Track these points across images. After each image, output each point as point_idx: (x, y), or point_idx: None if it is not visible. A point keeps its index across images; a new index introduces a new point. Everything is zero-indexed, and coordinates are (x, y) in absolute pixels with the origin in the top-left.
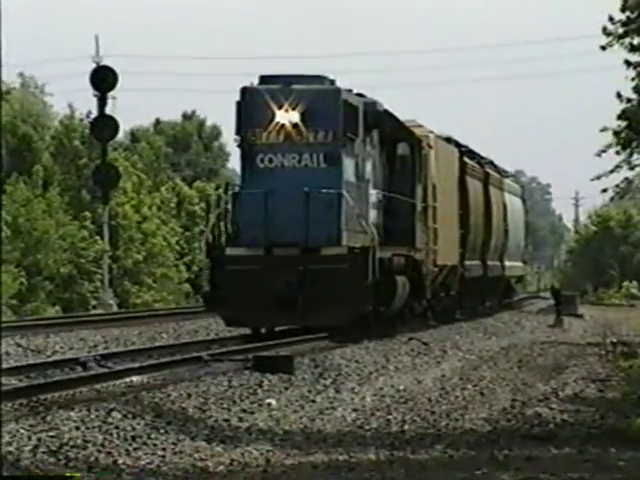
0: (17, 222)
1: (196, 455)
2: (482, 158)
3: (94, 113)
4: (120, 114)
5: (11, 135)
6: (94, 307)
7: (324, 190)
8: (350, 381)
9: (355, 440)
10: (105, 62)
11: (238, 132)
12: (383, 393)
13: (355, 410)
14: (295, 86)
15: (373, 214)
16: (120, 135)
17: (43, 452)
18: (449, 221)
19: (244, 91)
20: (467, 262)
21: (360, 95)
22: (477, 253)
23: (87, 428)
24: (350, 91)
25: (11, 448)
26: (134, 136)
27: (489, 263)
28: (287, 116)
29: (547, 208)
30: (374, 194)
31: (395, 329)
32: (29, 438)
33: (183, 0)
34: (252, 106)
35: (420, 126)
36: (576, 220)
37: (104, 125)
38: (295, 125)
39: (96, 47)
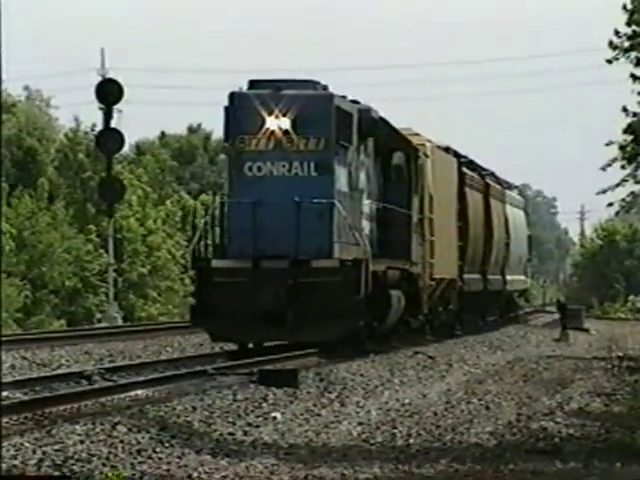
0: (22, 235)
1: (201, 469)
2: (483, 169)
3: (99, 126)
4: (125, 127)
5: (16, 148)
6: (99, 320)
7: (315, 200)
8: (355, 395)
9: (360, 454)
10: (110, 75)
11: (226, 139)
12: (388, 407)
13: (360, 424)
14: (286, 91)
15: (367, 225)
16: (125, 148)
17: (48, 466)
18: (447, 233)
19: (232, 96)
20: (466, 276)
21: (355, 102)
22: (477, 266)
23: (92, 442)
24: (344, 97)
25: (16, 462)
26: (139, 149)
27: (490, 277)
28: (277, 122)
29: (552, 222)
30: (368, 205)
31: (390, 345)
32: (34, 452)
33: (188, 14)
34: (241, 112)
35: (417, 134)
36: (582, 234)
37: (109, 138)
38: (285, 132)
39: (101, 60)
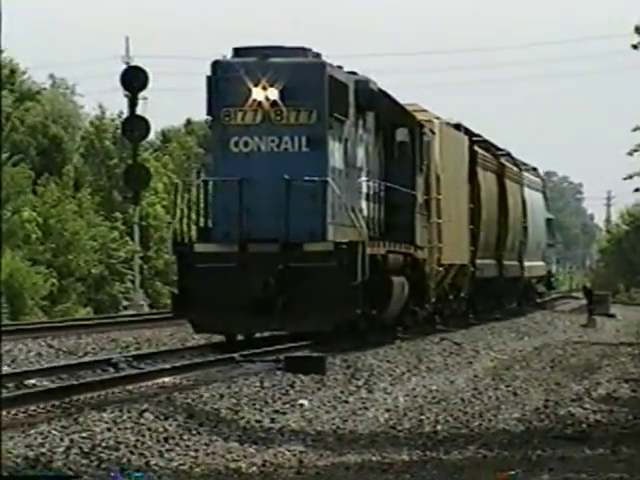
0: (48, 223)
1: (228, 456)
2: (498, 149)
3: (125, 114)
4: (151, 114)
5: (42, 136)
6: (125, 308)
7: (307, 178)
8: (382, 381)
9: (388, 441)
10: (135, 62)
11: (209, 112)
12: (415, 393)
13: (388, 410)
14: (273, 59)
15: (366, 206)
16: (151, 135)
17: (76, 453)
18: (457, 216)
19: (215, 65)
20: (479, 261)
21: (352, 73)
22: (491, 251)
23: (119, 429)
24: (340, 68)
25: (43, 449)
26: (165, 136)
27: (505, 262)
28: (264, 93)
29: (579, 208)
30: (367, 183)
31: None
32: (61, 439)
33: (213, 1)
34: (225, 82)
35: (424, 111)
36: (608, 219)
37: (135, 125)
38: (273, 103)
39: (126, 48)
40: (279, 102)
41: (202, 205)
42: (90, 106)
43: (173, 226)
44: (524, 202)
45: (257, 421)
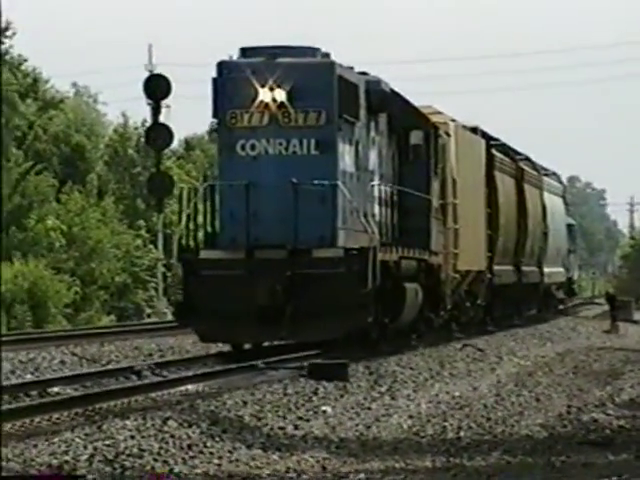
0: (72, 231)
1: (252, 463)
2: (517, 153)
3: (148, 122)
4: (174, 122)
5: (65, 144)
6: (149, 316)
7: (316, 181)
8: (405, 388)
9: (411, 447)
10: (158, 70)
11: (215, 114)
12: (439, 400)
13: (411, 417)
14: (281, 59)
15: (378, 211)
16: (174, 143)
17: (99, 461)
18: (473, 221)
19: (221, 66)
20: (496, 267)
21: (363, 74)
22: (509, 257)
23: (143, 437)
24: (352, 69)
25: (67, 457)
26: (188, 144)
27: (524, 268)
28: (271, 94)
29: (602, 214)
30: (379, 187)
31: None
32: (85, 447)
33: (234, 11)
34: (231, 83)
35: (439, 113)
36: (631, 226)
37: (158, 133)
38: (281, 105)
39: (149, 56)
40: (287, 103)
41: (209, 210)
42: (113, 114)
43: (178, 232)
44: (544, 207)
45: (280, 428)
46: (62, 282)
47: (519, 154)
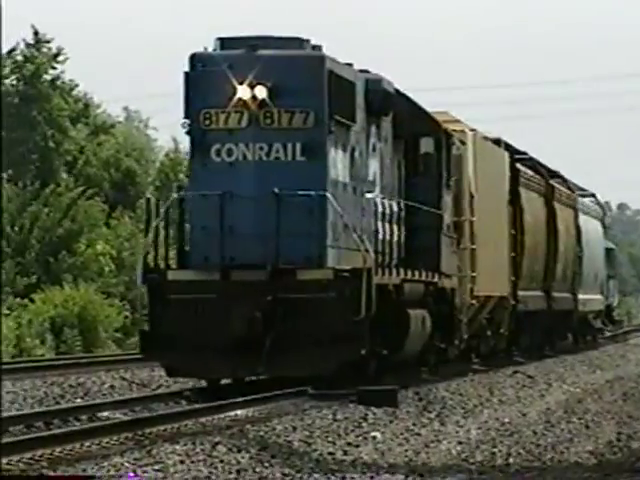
0: (121, 256)
1: None
2: (547, 170)
3: None
4: None
5: (115, 169)
6: None
7: (301, 192)
8: (455, 414)
9: (460, 473)
10: None
11: (187, 115)
12: (488, 426)
13: (460, 443)
14: (263, 51)
15: (381, 227)
16: None
17: None
18: (495, 241)
19: (194, 59)
20: (522, 293)
21: (363, 72)
22: (537, 282)
23: (192, 462)
24: (350, 65)
25: None
26: None
27: (555, 294)
28: (251, 92)
29: None
30: (382, 201)
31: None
32: (134, 472)
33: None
34: (205, 79)
35: (457, 121)
36: None
37: None
38: (262, 104)
39: None
40: (269, 102)
41: (177, 225)
42: (164, 139)
43: (144, 249)
44: (578, 229)
45: (330, 453)
46: (112, 307)
47: (550, 171)
